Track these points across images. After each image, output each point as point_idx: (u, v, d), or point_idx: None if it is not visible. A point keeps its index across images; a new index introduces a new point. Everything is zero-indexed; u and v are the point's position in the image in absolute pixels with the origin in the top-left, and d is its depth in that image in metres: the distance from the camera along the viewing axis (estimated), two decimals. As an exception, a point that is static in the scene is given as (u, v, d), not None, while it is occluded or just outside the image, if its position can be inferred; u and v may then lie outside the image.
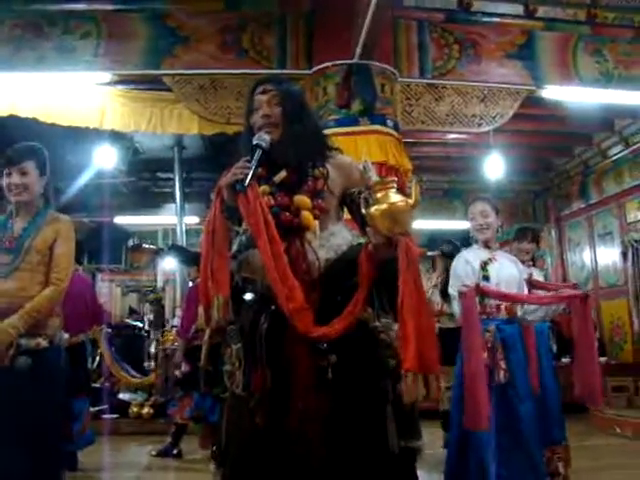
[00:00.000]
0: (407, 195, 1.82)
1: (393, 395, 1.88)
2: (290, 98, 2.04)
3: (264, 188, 1.93)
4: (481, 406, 3.14)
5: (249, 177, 1.83)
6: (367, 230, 1.83)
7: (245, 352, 1.92)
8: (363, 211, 1.81)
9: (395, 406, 1.87)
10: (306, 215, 1.90)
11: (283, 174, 1.96)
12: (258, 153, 1.88)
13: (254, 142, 1.91)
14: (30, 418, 2.83)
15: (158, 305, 11.90)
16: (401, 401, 1.81)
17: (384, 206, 1.77)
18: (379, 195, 1.80)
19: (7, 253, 2.97)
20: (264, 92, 2.03)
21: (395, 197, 1.79)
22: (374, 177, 2.01)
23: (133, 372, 7.99)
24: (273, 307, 1.85)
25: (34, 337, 2.94)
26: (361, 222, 1.93)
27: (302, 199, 1.91)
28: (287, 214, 1.90)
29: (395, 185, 1.83)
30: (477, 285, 3.38)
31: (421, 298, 1.77)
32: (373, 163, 4.34)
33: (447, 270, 4.61)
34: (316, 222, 1.93)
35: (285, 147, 1.96)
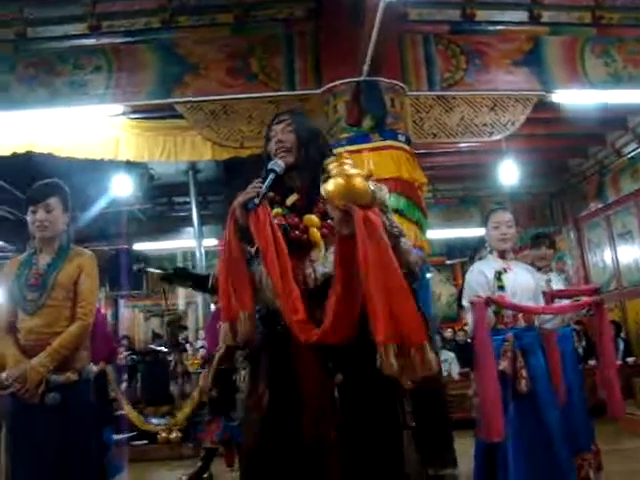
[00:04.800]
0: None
1: (414, 419, 1.86)
2: (303, 126, 2.15)
3: (277, 210, 2.01)
4: (494, 417, 3.12)
5: (260, 195, 1.91)
6: (327, 208, 1.85)
7: (252, 374, 1.97)
8: (322, 188, 1.83)
9: (421, 432, 1.85)
10: (314, 232, 1.96)
11: (295, 197, 2.05)
12: (271, 176, 1.97)
13: (269, 167, 2.00)
14: (65, 453, 2.86)
15: (174, 327, 11.97)
16: (430, 427, 1.80)
17: (338, 179, 1.78)
18: (334, 171, 1.82)
19: (33, 290, 3.02)
20: (280, 122, 2.15)
21: (349, 170, 1.81)
22: (385, 198, 2.05)
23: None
24: (279, 327, 1.90)
25: (63, 372, 2.97)
26: None
27: (311, 218, 1.98)
28: (296, 232, 1.96)
29: (350, 160, 1.86)
30: (488, 297, 3.38)
31: (390, 268, 1.70)
32: (387, 179, 4.42)
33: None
34: (322, 241, 1.99)
35: (297, 171, 2.06)
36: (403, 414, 1.89)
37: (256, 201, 1.91)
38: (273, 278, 1.84)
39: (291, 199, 2.04)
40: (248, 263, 1.99)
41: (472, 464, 3.88)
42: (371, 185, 1.80)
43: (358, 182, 1.78)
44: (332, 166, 1.83)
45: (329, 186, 1.79)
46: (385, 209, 2.03)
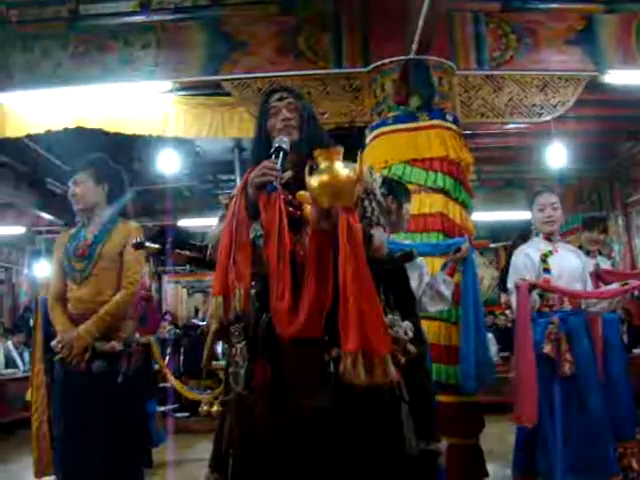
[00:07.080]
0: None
1: (408, 394, 1.89)
2: (304, 106, 2.17)
3: None
4: (529, 401, 3.12)
5: (278, 178, 1.91)
6: (309, 199, 1.82)
7: (248, 349, 1.95)
8: (306, 180, 1.79)
9: (412, 406, 1.86)
10: (309, 209, 1.92)
11: (288, 174, 2.06)
12: (282, 155, 1.96)
13: (276, 144, 1.99)
14: (110, 420, 2.94)
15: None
16: (418, 401, 1.80)
17: (325, 177, 1.73)
18: (323, 165, 1.76)
19: (81, 260, 3.11)
20: (281, 99, 2.14)
21: (339, 168, 1.75)
22: (378, 181, 2.12)
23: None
24: None
25: (108, 340, 3.06)
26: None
27: (304, 194, 1.91)
28: (291, 208, 1.96)
29: (340, 156, 1.80)
30: (532, 282, 3.35)
31: (365, 277, 1.72)
32: (434, 158, 4.39)
33: (508, 262, 4.57)
34: None
35: (295, 148, 2.05)
36: (399, 387, 1.91)
37: (275, 184, 1.88)
38: (270, 262, 1.83)
39: (285, 176, 2.03)
40: (253, 240, 1.97)
41: (507, 447, 3.88)
42: (364, 171, 1.79)
43: (345, 183, 1.73)
44: (321, 159, 1.78)
45: (314, 181, 1.75)
46: (372, 197, 2.05)
